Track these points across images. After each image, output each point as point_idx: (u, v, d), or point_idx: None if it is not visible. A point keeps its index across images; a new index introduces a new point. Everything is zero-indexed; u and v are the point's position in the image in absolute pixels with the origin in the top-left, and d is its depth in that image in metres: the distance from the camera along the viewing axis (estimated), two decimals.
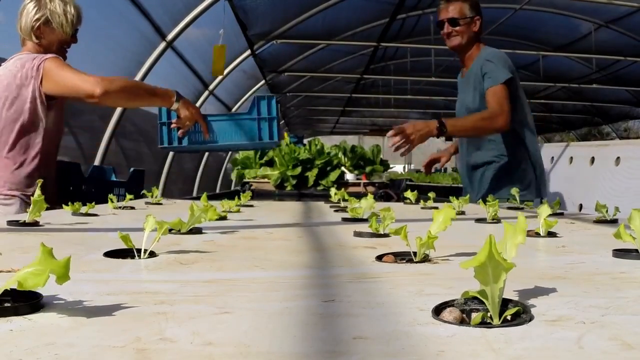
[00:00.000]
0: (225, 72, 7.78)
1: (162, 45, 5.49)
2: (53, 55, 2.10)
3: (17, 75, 2.07)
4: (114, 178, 2.95)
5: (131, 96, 2.18)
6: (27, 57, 2.10)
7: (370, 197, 1.50)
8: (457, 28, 2.55)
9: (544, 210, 1.13)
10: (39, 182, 1.39)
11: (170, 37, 5.53)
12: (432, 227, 0.82)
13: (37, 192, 1.32)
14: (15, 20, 2.25)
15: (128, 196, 1.95)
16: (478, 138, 2.59)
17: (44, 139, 2.15)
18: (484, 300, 0.50)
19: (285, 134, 5.36)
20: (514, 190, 2.00)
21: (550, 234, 1.15)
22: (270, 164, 4.31)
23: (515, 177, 2.51)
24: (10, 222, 1.30)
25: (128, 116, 5.39)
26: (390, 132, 2.24)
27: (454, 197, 1.86)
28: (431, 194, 2.16)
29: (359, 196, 1.95)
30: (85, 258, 0.85)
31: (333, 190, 2.28)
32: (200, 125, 2.28)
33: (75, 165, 2.72)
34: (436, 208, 1.99)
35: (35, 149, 2.13)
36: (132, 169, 3.01)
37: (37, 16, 2.17)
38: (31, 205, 1.29)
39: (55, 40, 2.21)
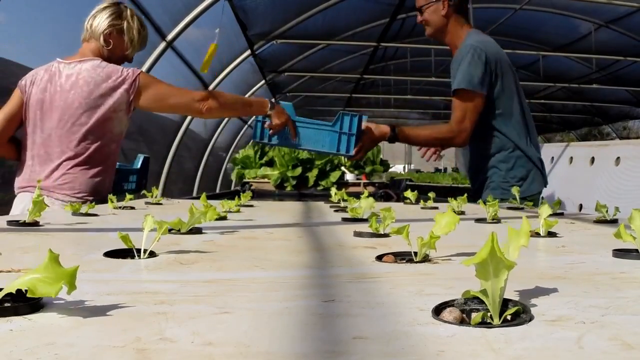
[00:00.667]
0: (225, 72, 7.79)
1: (162, 45, 5.49)
2: (140, 70, 2.17)
3: (102, 85, 2.10)
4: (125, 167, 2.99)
5: (231, 111, 2.43)
6: (112, 68, 2.13)
7: (366, 194, 1.50)
8: (425, 16, 2.44)
9: (545, 210, 1.13)
10: (39, 180, 1.39)
11: (170, 37, 5.53)
12: (434, 229, 0.82)
13: (37, 192, 1.32)
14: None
15: (128, 196, 1.95)
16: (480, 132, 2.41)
17: (118, 147, 2.27)
18: (484, 299, 0.50)
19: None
20: (515, 190, 2.00)
21: (550, 234, 1.15)
22: (271, 164, 4.31)
23: (515, 168, 2.40)
24: (10, 222, 1.30)
25: (133, 117, 5.39)
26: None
27: (452, 199, 1.85)
28: (431, 194, 2.16)
29: (359, 196, 1.95)
30: (85, 258, 0.85)
31: (333, 190, 2.28)
32: (289, 129, 2.47)
33: None
34: (436, 208, 1.99)
35: (111, 158, 2.23)
36: (142, 156, 3.02)
37: (114, 22, 2.23)
38: (31, 205, 1.29)
39: (119, 53, 2.27)
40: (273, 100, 2.44)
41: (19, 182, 2.19)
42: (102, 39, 2.20)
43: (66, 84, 2.11)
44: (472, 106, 2.30)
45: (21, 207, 2.10)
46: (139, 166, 2.68)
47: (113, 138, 2.20)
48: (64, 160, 2.12)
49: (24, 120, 2.19)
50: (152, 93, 2.15)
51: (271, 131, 2.44)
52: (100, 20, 2.21)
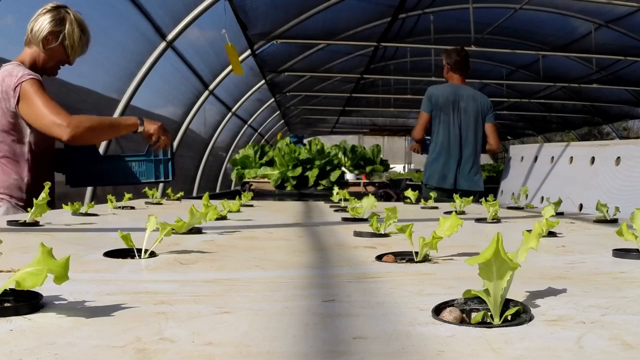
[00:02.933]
0: (225, 71, 7.79)
1: (162, 45, 5.49)
2: (31, 77, 2.08)
3: (1, 89, 2.08)
4: None
5: (98, 133, 2.23)
6: (7, 72, 2.10)
7: (371, 196, 1.50)
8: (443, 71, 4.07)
9: (548, 211, 1.13)
10: (47, 184, 1.39)
11: (170, 37, 5.53)
12: (438, 230, 0.82)
13: (42, 194, 1.32)
14: (25, 25, 2.28)
15: (127, 195, 1.95)
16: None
17: (32, 151, 2.17)
18: (485, 299, 0.50)
19: (279, 135, 5.43)
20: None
21: (551, 234, 1.15)
22: (271, 164, 4.31)
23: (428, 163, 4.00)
24: (10, 222, 1.30)
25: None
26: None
27: (456, 195, 1.86)
28: (433, 194, 2.16)
29: (359, 196, 1.95)
30: (85, 258, 0.85)
31: (335, 190, 2.29)
32: (163, 138, 2.38)
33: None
34: (436, 208, 2.00)
35: (23, 159, 2.16)
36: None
37: (53, 29, 2.19)
38: (33, 207, 1.29)
39: (57, 57, 2.24)
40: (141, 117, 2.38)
41: None
42: (41, 44, 2.19)
43: None
44: (420, 119, 3.96)
45: None
46: (168, 155, 2.58)
47: (23, 140, 2.15)
48: None
49: None
50: (25, 108, 2.08)
51: (155, 145, 2.36)
52: (40, 25, 2.19)
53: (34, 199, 1.30)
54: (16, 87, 2.06)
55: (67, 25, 2.22)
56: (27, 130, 2.13)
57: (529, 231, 0.60)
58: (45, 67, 2.24)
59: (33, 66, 2.20)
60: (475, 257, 0.49)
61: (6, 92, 2.07)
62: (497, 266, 0.49)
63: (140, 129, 2.31)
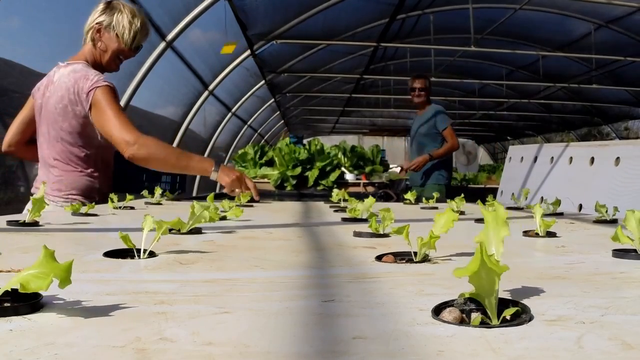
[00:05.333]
0: (225, 72, 7.79)
1: (162, 45, 5.49)
2: (105, 84, 2.07)
3: (71, 90, 2.08)
4: None
5: (161, 164, 2.13)
6: (81, 74, 2.09)
7: (371, 197, 1.50)
8: (421, 95, 5.03)
9: (538, 210, 1.13)
10: (44, 183, 1.40)
11: (170, 37, 5.53)
12: (434, 229, 0.82)
13: (40, 192, 1.32)
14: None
15: (128, 197, 1.95)
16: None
17: (102, 152, 2.22)
18: (481, 302, 0.50)
19: (282, 134, 5.50)
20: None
21: (550, 234, 1.15)
22: (270, 163, 4.30)
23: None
24: (10, 222, 1.30)
25: (132, 117, 5.40)
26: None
27: (450, 200, 1.86)
28: (435, 194, 2.16)
29: (359, 196, 1.95)
30: (85, 258, 0.85)
31: (335, 191, 2.29)
32: (247, 184, 2.19)
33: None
34: (436, 208, 2.00)
35: (92, 160, 2.20)
36: None
37: (100, 19, 2.18)
38: (31, 205, 1.29)
39: (113, 48, 2.20)
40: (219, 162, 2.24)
41: (36, 178, 2.26)
42: (89, 38, 2.18)
43: (52, 89, 2.13)
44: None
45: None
46: None
47: (93, 143, 2.18)
48: (53, 163, 2.16)
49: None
50: (97, 115, 2.06)
51: (233, 193, 2.17)
52: (90, 20, 2.18)
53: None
54: (89, 92, 2.05)
55: (115, 14, 2.18)
56: (98, 134, 2.16)
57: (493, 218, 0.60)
58: (104, 62, 2.22)
59: (93, 64, 2.20)
60: (463, 269, 0.50)
61: (78, 95, 2.07)
62: (486, 274, 0.49)
63: (213, 176, 2.14)
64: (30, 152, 2.29)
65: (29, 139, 2.29)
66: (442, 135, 4.72)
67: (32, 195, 2.18)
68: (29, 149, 2.29)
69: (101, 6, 2.19)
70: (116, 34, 2.18)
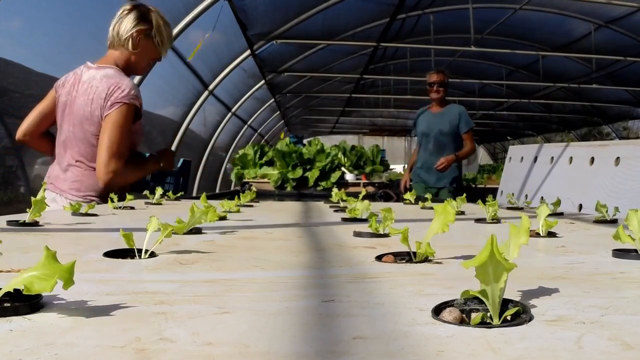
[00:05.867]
0: (225, 72, 7.79)
1: None
2: (132, 103, 2.15)
3: (102, 96, 2.13)
4: None
5: (128, 182, 2.32)
6: (114, 81, 2.14)
7: (363, 192, 1.51)
8: (441, 90, 4.69)
9: (543, 210, 1.13)
10: (44, 183, 1.40)
11: None
12: (429, 233, 0.81)
13: (41, 194, 1.32)
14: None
15: (128, 197, 1.95)
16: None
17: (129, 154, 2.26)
18: (484, 300, 0.50)
19: (282, 134, 5.49)
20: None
21: (550, 234, 1.15)
22: (270, 164, 4.30)
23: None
24: (10, 222, 1.30)
25: None
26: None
27: (451, 199, 1.86)
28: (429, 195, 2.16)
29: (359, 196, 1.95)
30: (85, 258, 0.85)
31: (335, 191, 2.29)
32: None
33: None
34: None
35: None
36: (182, 160, 3.07)
37: (140, 27, 2.20)
38: (32, 206, 1.29)
39: (149, 55, 2.27)
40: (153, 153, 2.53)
41: (47, 173, 2.29)
42: (130, 44, 2.20)
43: (81, 89, 2.17)
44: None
45: None
46: (177, 168, 2.76)
47: None
48: (74, 164, 2.20)
49: (55, 119, 2.27)
50: (106, 126, 2.14)
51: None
52: (125, 26, 2.21)
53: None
54: (116, 103, 2.11)
55: (153, 21, 2.23)
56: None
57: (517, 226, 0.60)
58: (137, 67, 2.27)
59: (126, 68, 2.24)
60: (471, 260, 0.49)
61: (104, 100, 2.12)
62: (493, 268, 0.49)
63: (161, 163, 2.45)
64: (43, 144, 2.33)
65: (44, 131, 2.32)
66: (460, 137, 4.59)
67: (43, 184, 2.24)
68: (43, 141, 2.32)
69: (133, 12, 2.22)
70: (155, 42, 2.26)
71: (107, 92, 2.12)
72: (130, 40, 2.20)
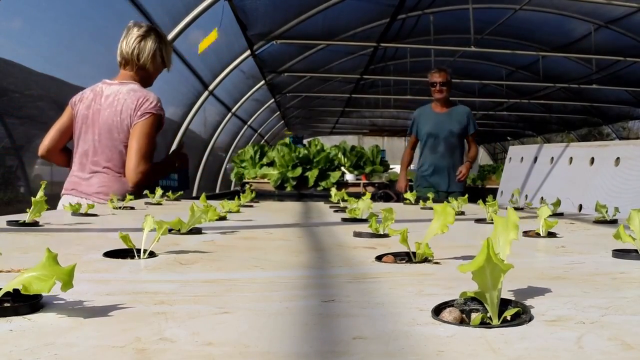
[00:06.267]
0: (225, 72, 7.79)
1: None
2: (160, 114, 2.41)
3: (131, 107, 2.37)
4: None
5: (154, 180, 2.55)
6: (141, 94, 2.41)
7: (367, 195, 1.50)
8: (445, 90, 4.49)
9: (544, 211, 1.13)
10: (43, 183, 1.42)
11: (170, 37, 5.53)
12: (428, 234, 0.81)
13: (40, 193, 1.32)
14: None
15: (128, 197, 1.95)
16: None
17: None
18: (482, 301, 0.50)
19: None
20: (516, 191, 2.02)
21: (550, 234, 1.15)
22: (271, 164, 4.31)
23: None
24: (10, 222, 1.30)
25: None
26: None
27: (452, 198, 1.86)
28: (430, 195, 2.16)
29: (359, 197, 1.95)
30: (85, 258, 0.85)
31: (333, 191, 2.28)
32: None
33: None
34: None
35: None
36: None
37: (156, 46, 2.48)
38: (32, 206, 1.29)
39: (159, 70, 2.58)
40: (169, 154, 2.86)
41: (64, 186, 2.48)
42: (151, 64, 2.49)
43: (105, 103, 2.39)
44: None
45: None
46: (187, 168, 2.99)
47: None
48: (101, 170, 2.38)
49: (73, 133, 2.49)
50: (134, 133, 2.37)
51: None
52: (150, 48, 2.46)
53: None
54: (145, 113, 2.37)
55: (163, 41, 2.53)
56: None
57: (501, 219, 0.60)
58: (151, 81, 2.57)
59: (142, 83, 2.51)
60: (468, 264, 0.50)
61: (134, 110, 2.36)
62: (490, 270, 0.49)
63: (176, 164, 2.74)
64: (63, 159, 2.56)
65: (62, 147, 2.55)
66: (464, 139, 4.50)
67: (61, 196, 2.45)
68: (62, 156, 2.56)
69: (150, 35, 2.48)
70: (165, 57, 2.55)
71: (136, 104, 2.36)
72: (151, 60, 2.48)
